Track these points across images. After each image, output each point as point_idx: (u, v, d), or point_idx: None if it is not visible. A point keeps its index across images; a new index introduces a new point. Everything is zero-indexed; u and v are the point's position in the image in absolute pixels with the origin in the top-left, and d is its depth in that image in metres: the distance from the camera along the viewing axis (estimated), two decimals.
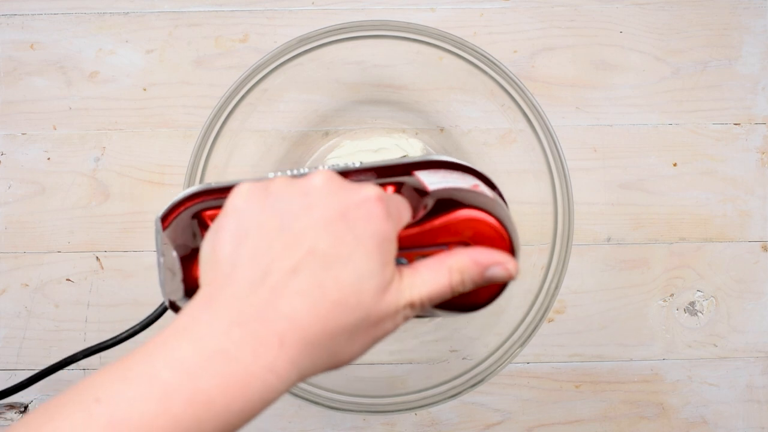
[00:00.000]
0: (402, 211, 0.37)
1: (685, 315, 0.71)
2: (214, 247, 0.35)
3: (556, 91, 0.71)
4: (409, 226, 0.38)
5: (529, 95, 0.59)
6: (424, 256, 0.38)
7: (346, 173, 0.41)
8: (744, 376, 0.70)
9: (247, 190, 0.36)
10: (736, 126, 0.71)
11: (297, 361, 0.32)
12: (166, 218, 0.42)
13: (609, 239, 0.71)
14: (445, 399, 0.62)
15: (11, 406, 0.69)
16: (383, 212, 0.34)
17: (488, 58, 0.59)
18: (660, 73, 0.71)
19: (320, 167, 0.41)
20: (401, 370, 0.68)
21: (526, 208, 0.64)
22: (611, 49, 0.71)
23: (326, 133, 0.70)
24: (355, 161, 0.42)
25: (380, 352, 0.68)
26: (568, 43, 0.71)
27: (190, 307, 0.33)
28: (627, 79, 0.71)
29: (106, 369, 0.31)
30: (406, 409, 0.62)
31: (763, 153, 0.71)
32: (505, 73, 0.59)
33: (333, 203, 0.34)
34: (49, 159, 0.71)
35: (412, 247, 0.38)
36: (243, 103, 0.61)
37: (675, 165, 0.71)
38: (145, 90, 0.71)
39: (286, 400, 0.69)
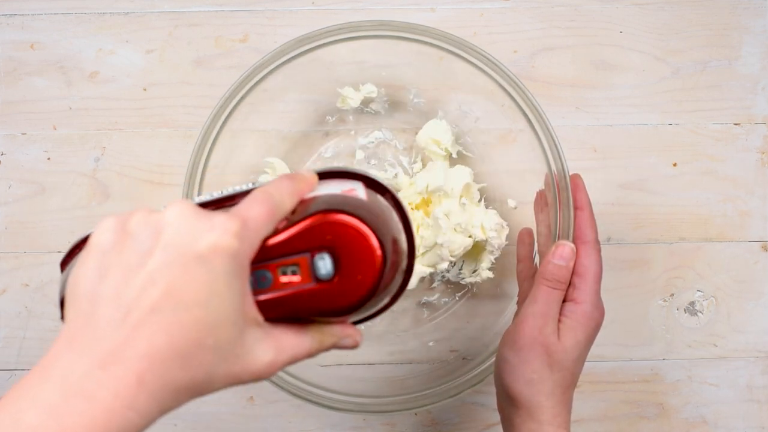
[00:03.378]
0: (258, 228, 0.37)
1: (685, 315, 0.71)
2: (76, 282, 0.35)
3: (556, 91, 0.71)
4: (271, 236, 0.38)
5: (529, 95, 0.59)
6: (287, 265, 0.38)
7: (215, 202, 0.41)
8: (744, 376, 0.70)
9: (107, 227, 0.36)
10: (736, 126, 0.71)
11: (158, 397, 0.33)
12: (64, 263, 0.42)
13: (609, 239, 0.71)
14: (445, 399, 0.62)
15: None
16: (236, 245, 0.35)
17: (488, 58, 0.59)
18: (660, 73, 0.71)
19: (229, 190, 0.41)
20: (401, 370, 0.68)
21: (527, 209, 0.64)
22: (611, 49, 0.71)
23: (326, 133, 0.70)
24: (226, 189, 0.42)
25: (380, 352, 0.68)
26: (568, 43, 0.71)
27: (54, 347, 0.34)
28: (627, 79, 0.71)
29: None
30: (406, 409, 0.62)
31: (763, 153, 0.71)
32: (505, 73, 0.59)
33: (186, 240, 0.34)
34: (49, 159, 0.71)
35: (274, 257, 0.38)
36: (243, 103, 0.61)
37: (675, 165, 0.71)
38: (145, 90, 0.71)
39: (286, 400, 0.69)
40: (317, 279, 0.38)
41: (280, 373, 0.61)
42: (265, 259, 0.38)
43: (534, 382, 0.52)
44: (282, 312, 0.38)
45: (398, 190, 0.45)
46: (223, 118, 0.61)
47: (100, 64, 0.71)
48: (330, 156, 0.70)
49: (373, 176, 0.44)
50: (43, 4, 0.71)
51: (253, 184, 0.42)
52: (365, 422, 0.70)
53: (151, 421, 0.34)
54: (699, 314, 0.71)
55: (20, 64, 0.71)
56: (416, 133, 0.69)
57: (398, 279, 0.42)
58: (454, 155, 0.68)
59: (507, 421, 0.54)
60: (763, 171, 0.71)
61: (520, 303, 0.61)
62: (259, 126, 0.68)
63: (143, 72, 0.71)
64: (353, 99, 0.68)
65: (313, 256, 0.38)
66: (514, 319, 0.55)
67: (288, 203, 0.39)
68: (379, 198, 0.43)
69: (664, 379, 0.70)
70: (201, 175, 0.61)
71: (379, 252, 0.38)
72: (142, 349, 0.33)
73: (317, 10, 0.71)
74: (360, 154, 0.70)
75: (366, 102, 0.69)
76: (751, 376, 0.70)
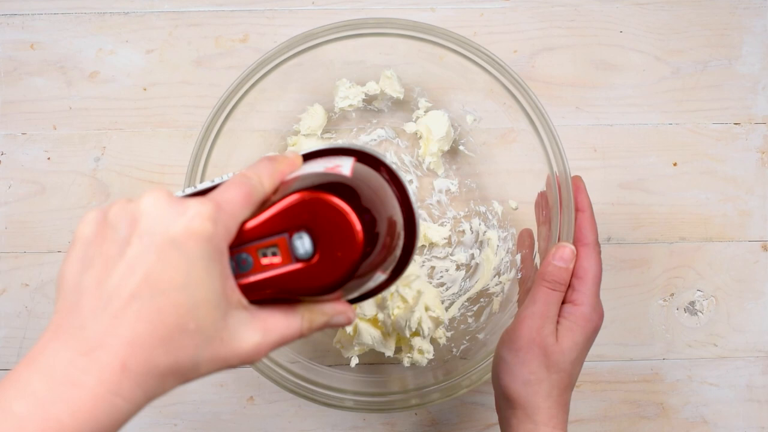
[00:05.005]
0: (234, 211, 0.37)
1: (685, 315, 0.71)
2: (62, 275, 0.36)
3: (556, 91, 0.71)
4: (250, 219, 0.38)
5: (531, 94, 0.59)
6: (266, 246, 0.38)
7: (200, 193, 0.41)
8: (744, 376, 0.70)
9: (90, 220, 0.37)
10: (736, 126, 0.71)
11: (142, 382, 0.34)
12: None
13: (609, 239, 0.71)
14: (444, 398, 0.62)
15: None
16: (210, 228, 0.35)
17: (490, 57, 0.59)
18: (660, 73, 0.71)
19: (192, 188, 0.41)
20: (401, 369, 0.68)
21: (528, 209, 0.64)
22: (611, 49, 0.71)
23: (326, 133, 0.70)
24: (210, 180, 0.41)
25: (380, 352, 0.68)
26: (568, 43, 0.71)
27: (42, 338, 0.35)
28: (627, 79, 0.71)
29: None
30: (406, 408, 0.62)
31: (763, 153, 0.71)
32: (506, 71, 0.59)
33: (161, 227, 0.35)
34: (49, 159, 0.71)
35: (254, 239, 0.38)
36: (242, 102, 0.61)
37: (675, 165, 0.71)
38: (145, 90, 0.71)
39: (286, 399, 0.69)
40: (297, 259, 0.38)
41: (282, 372, 0.61)
42: (244, 242, 0.38)
43: (531, 383, 0.52)
44: (266, 294, 0.38)
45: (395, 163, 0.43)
46: (222, 117, 0.61)
47: (100, 64, 0.71)
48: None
49: (365, 150, 0.43)
50: (43, 4, 0.71)
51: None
52: (365, 422, 0.70)
53: (138, 407, 0.34)
54: (699, 314, 0.71)
55: (20, 64, 0.71)
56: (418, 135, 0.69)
57: (395, 255, 0.41)
58: (446, 148, 0.68)
59: (504, 422, 0.54)
60: (763, 171, 0.71)
61: (520, 303, 0.61)
62: (258, 125, 0.67)
63: (143, 72, 0.71)
64: (347, 98, 0.67)
65: (291, 236, 0.38)
66: (513, 319, 0.55)
67: (267, 184, 0.40)
68: (373, 173, 0.42)
69: (664, 379, 0.70)
70: (201, 174, 0.61)
71: (358, 227, 0.37)
72: (123, 336, 0.33)
73: (317, 10, 0.72)
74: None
75: (369, 100, 0.69)
76: (751, 376, 0.70)
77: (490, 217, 0.69)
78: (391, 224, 0.40)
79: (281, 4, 0.71)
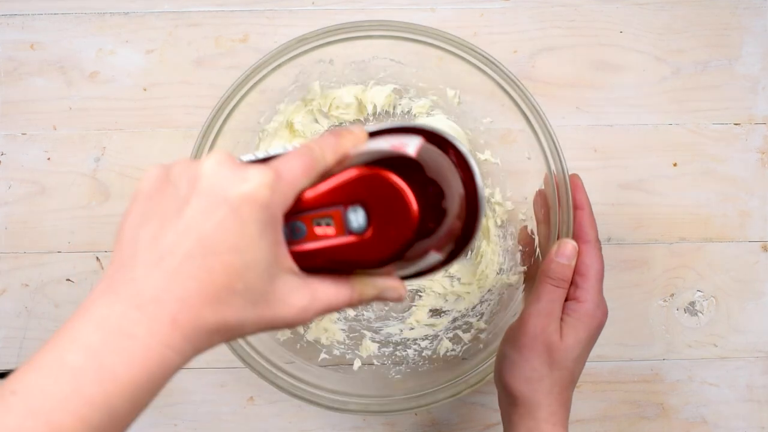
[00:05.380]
0: (293, 181, 0.38)
1: (685, 315, 0.71)
2: (121, 227, 0.37)
3: (556, 91, 0.71)
4: (308, 189, 0.39)
5: (529, 95, 0.59)
6: (321, 217, 0.39)
7: (262, 161, 0.41)
8: (744, 376, 0.70)
9: (152, 175, 0.38)
10: (736, 126, 0.71)
11: (190, 337, 0.35)
12: None
13: (609, 239, 0.71)
14: (444, 399, 0.62)
15: None
16: (267, 195, 0.36)
17: (488, 59, 0.59)
18: (660, 73, 0.71)
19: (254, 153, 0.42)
20: (401, 370, 0.68)
21: (527, 208, 0.64)
22: (611, 49, 0.71)
23: (326, 133, 0.70)
24: (274, 149, 0.42)
25: (380, 352, 0.68)
26: (568, 43, 0.71)
27: (95, 289, 0.36)
28: (627, 79, 0.71)
29: (23, 363, 0.33)
30: (406, 409, 0.62)
31: (763, 153, 0.71)
32: (504, 73, 0.59)
33: (220, 189, 0.36)
34: (49, 159, 0.71)
35: (309, 208, 0.39)
36: (242, 102, 0.61)
37: (675, 165, 0.71)
38: (145, 90, 0.71)
39: (286, 400, 0.69)
40: (350, 232, 0.38)
41: (280, 373, 0.61)
42: (301, 211, 0.39)
43: (533, 380, 0.52)
44: (318, 263, 0.39)
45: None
46: (222, 117, 0.61)
47: (100, 64, 0.71)
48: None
49: (434, 130, 0.43)
50: (43, 4, 0.71)
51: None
52: (365, 422, 0.70)
53: (186, 360, 0.35)
54: (699, 314, 0.71)
55: (20, 64, 0.71)
56: None
57: (453, 238, 0.42)
58: None
59: (506, 418, 0.54)
60: (763, 171, 0.71)
61: (522, 302, 0.61)
62: (258, 125, 0.67)
63: (143, 72, 0.71)
64: (346, 107, 0.68)
65: (346, 209, 0.38)
66: (516, 317, 0.55)
67: (329, 158, 0.40)
68: (438, 155, 0.42)
69: (664, 379, 0.70)
70: None
71: (414, 207, 0.38)
72: (175, 292, 0.34)
73: (317, 10, 0.71)
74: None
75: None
76: (751, 376, 0.70)
77: (490, 216, 0.69)
78: (451, 208, 0.41)
79: (281, 4, 0.71)
